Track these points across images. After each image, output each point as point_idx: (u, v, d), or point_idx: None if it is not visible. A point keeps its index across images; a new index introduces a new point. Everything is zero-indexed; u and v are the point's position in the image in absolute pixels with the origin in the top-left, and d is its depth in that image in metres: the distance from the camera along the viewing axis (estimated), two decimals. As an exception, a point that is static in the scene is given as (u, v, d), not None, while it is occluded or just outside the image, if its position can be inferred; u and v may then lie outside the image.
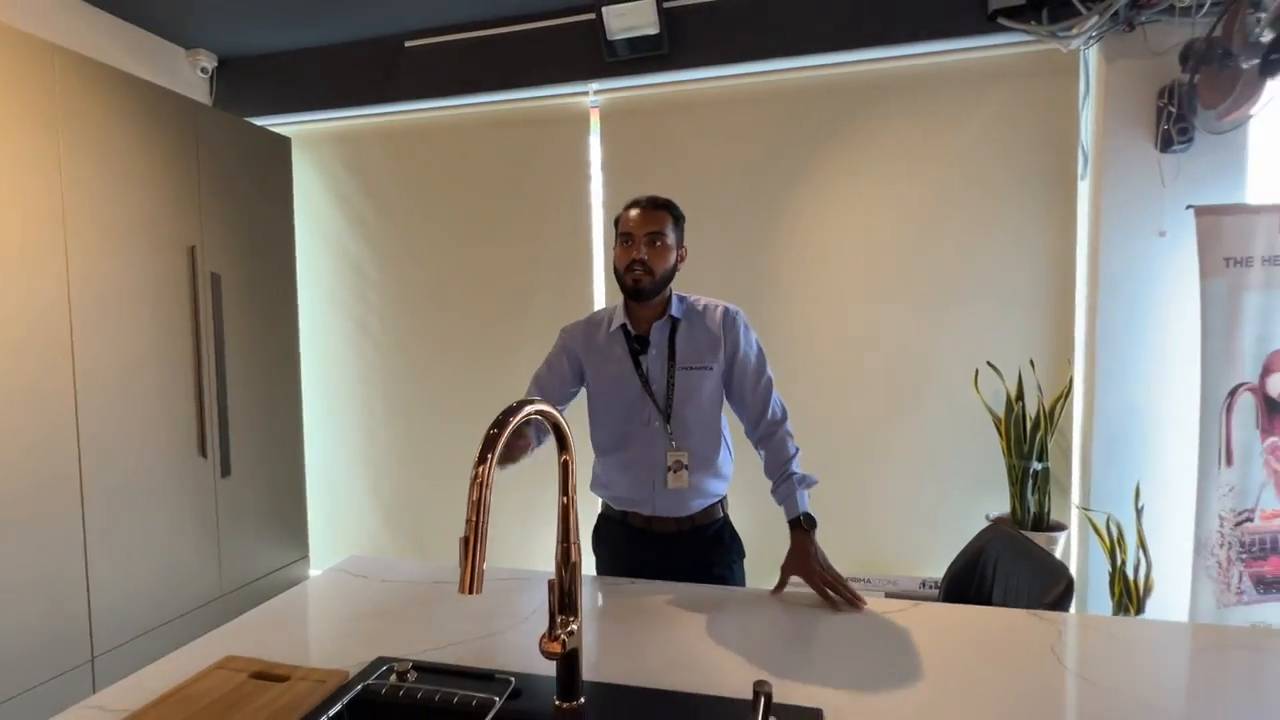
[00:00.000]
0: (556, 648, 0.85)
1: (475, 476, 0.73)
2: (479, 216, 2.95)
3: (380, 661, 1.03)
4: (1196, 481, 2.11)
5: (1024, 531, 1.94)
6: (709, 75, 2.64)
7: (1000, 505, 2.38)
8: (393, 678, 0.97)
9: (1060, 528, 2.30)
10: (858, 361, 2.60)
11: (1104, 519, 2.22)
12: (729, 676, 1.00)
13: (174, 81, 2.76)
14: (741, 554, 1.60)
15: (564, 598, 0.89)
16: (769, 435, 1.53)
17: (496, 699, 0.93)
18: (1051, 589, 1.33)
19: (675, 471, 1.46)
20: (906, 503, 2.55)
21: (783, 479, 1.48)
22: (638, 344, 1.50)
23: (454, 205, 2.97)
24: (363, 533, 3.15)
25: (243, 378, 2.57)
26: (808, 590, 1.32)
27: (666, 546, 1.51)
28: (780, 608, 1.27)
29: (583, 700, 0.91)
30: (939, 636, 1.11)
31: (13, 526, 1.83)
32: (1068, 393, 2.35)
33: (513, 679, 0.97)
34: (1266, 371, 2.08)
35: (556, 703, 0.91)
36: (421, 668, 1.00)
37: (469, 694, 0.94)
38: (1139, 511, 2.18)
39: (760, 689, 0.85)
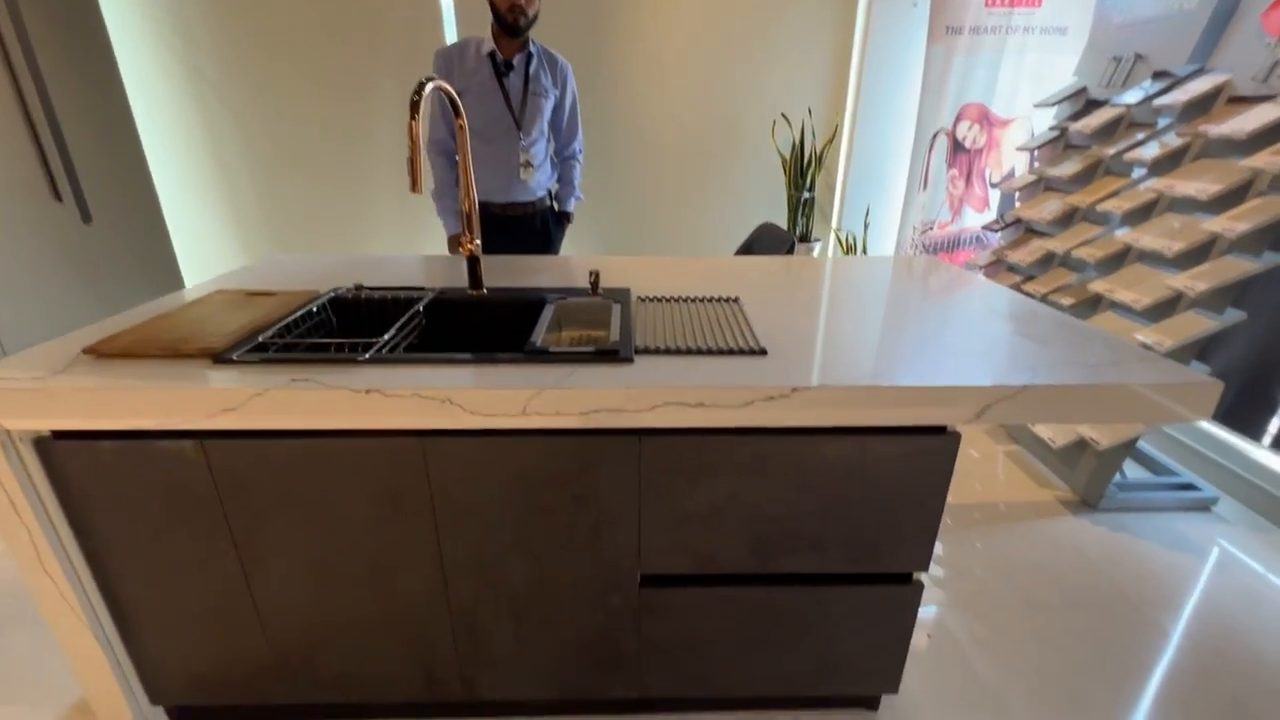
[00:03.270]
0: (469, 249, 1.38)
1: (410, 130, 1.16)
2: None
3: (335, 289, 1.49)
4: (904, 202, 3.01)
5: (797, 242, 2.74)
6: None
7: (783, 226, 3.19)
8: (351, 292, 1.45)
9: (818, 240, 3.19)
10: (685, 116, 3.08)
11: (846, 234, 3.11)
12: (572, 280, 1.59)
13: None
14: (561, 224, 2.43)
15: (469, 220, 1.39)
16: (568, 159, 2.27)
17: (429, 293, 1.45)
18: (784, 245, 2.09)
19: (526, 168, 2.03)
20: (720, 226, 3.29)
21: (566, 186, 2.30)
22: (504, 67, 1.97)
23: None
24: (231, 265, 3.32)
25: (76, 125, 2.46)
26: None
27: (517, 224, 2.19)
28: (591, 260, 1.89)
29: (486, 290, 1.47)
30: (717, 265, 1.79)
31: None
32: (834, 136, 3.07)
33: (436, 289, 1.49)
34: (958, 120, 2.90)
35: (469, 291, 1.46)
36: (368, 287, 1.48)
37: (410, 293, 1.45)
38: (866, 226, 3.08)
39: (592, 274, 1.45)
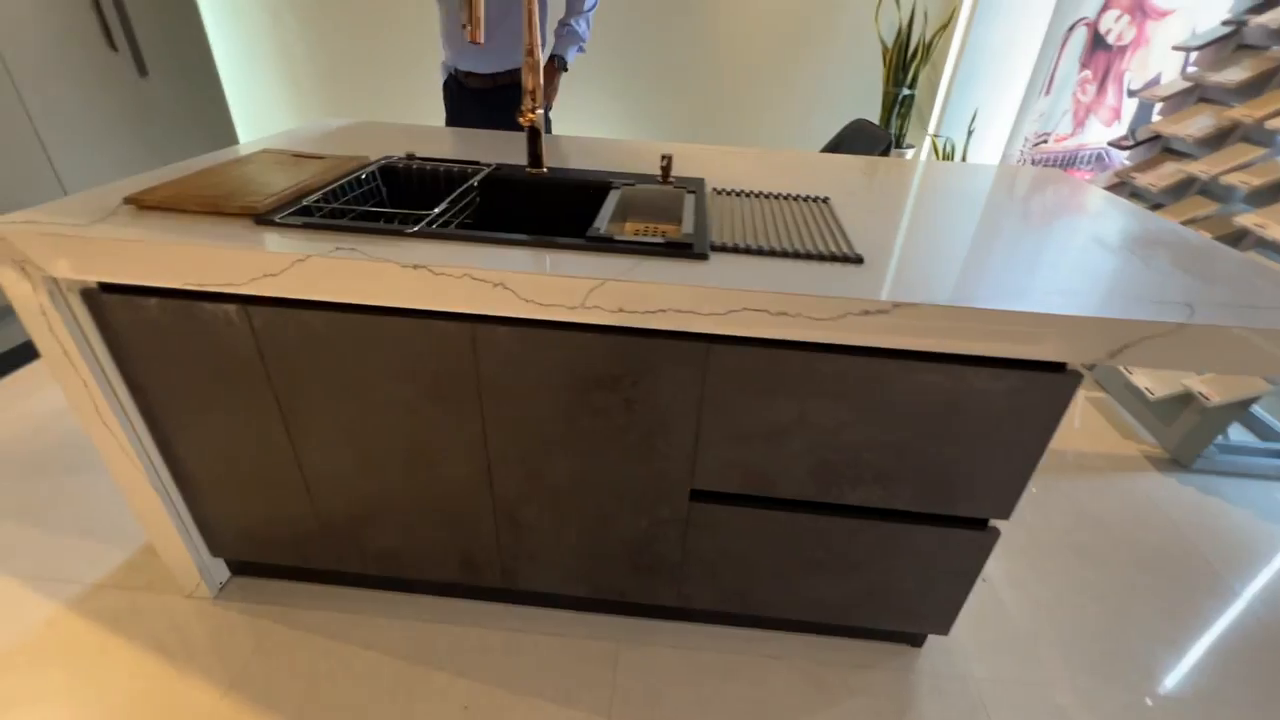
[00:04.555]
0: (530, 118, 1.23)
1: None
2: None
3: (385, 157, 1.37)
4: (1019, 108, 2.62)
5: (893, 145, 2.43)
6: None
7: (870, 130, 2.85)
8: (402, 161, 1.34)
9: (910, 146, 2.85)
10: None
11: (945, 141, 2.77)
12: (640, 165, 1.42)
13: None
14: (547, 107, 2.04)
15: (533, 92, 1.23)
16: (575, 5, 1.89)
17: (485, 168, 1.32)
18: (879, 145, 1.85)
19: (469, 28, 1.78)
20: (801, 120, 2.96)
21: (567, 26, 1.89)
22: None
23: None
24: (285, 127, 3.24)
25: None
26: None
27: (479, 99, 1.89)
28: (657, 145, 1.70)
29: (546, 170, 1.33)
30: (803, 160, 1.59)
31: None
32: (949, 22, 2.65)
33: (492, 164, 1.36)
34: (1104, 8, 2.44)
35: (528, 170, 1.32)
36: (420, 158, 1.36)
37: (465, 166, 1.33)
38: (970, 134, 2.72)
39: (664, 159, 1.28)
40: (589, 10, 1.90)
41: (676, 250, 0.95)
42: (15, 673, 1.22)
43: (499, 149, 1.52)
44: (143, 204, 1.02)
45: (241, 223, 0.99)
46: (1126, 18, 2.46)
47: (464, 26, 1.73)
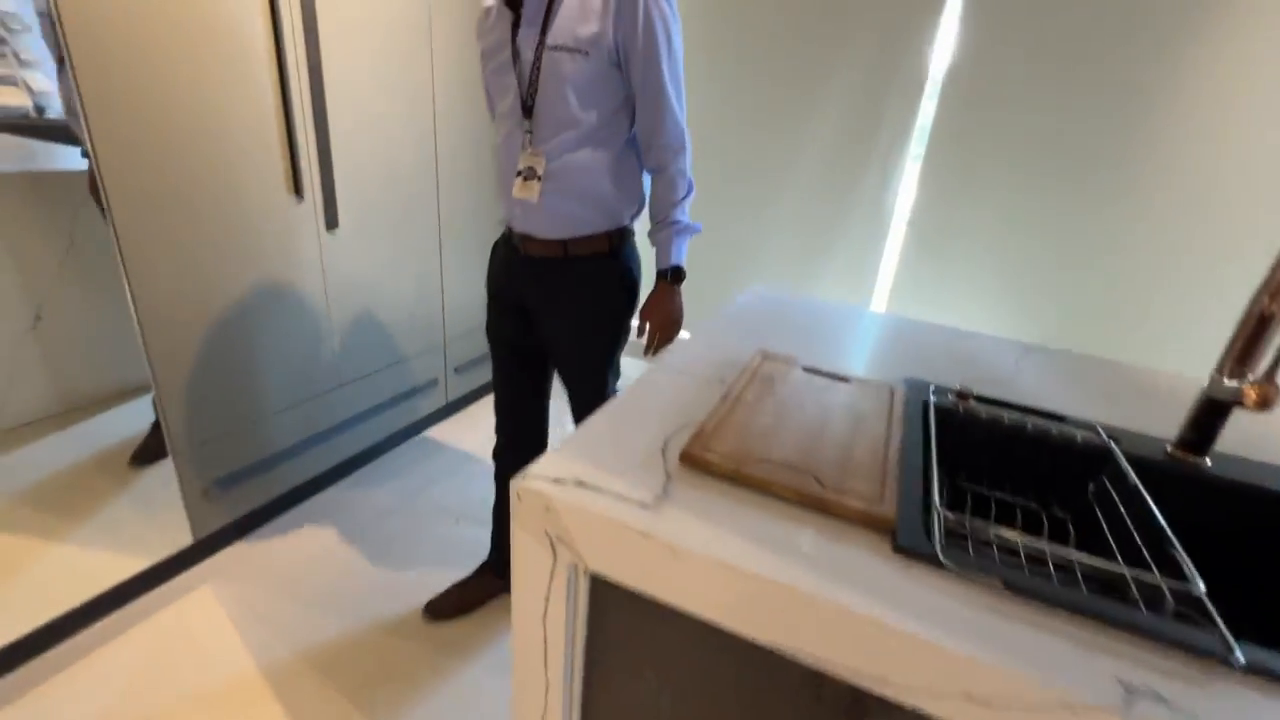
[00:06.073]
0: (1262, 401, 0.74)
1: None
2: None
3: (915, 381, 0.99)
4: None
5: None
6: None
7: None
8: (950, 398, 0.93)
9: None
10: (1242, 153, 2.04)
11: None
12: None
13: None
14: (630, 300, 1.36)
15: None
16: (658, 168, 1.26)
17: (1099, 438, 0.85)
18: None
19: (526, 180, 1.20)
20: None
21: (663, 225, 1.28)
22: (512, 8, 1.17)
23: None
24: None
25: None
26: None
27: (537, 271, 1.30)
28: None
29: (1209, 462, 0.82)
30: None
31: (396, 220, 1.97)
32: None
33: (1098, 426, 0.89)
34: None
35: (1169, 452, 0.83)
36: (972, 395, 0.95)
37: (1068, 429, 0.87)
38: None
39: None
40: (683, 200, 1.29)
41: None
42: None
43: (1060, 387, 1.06)
44: (702, 466, 0.70)
45: (868, 540, 0.61)
46: None
47: (521, 175, 1.19)
